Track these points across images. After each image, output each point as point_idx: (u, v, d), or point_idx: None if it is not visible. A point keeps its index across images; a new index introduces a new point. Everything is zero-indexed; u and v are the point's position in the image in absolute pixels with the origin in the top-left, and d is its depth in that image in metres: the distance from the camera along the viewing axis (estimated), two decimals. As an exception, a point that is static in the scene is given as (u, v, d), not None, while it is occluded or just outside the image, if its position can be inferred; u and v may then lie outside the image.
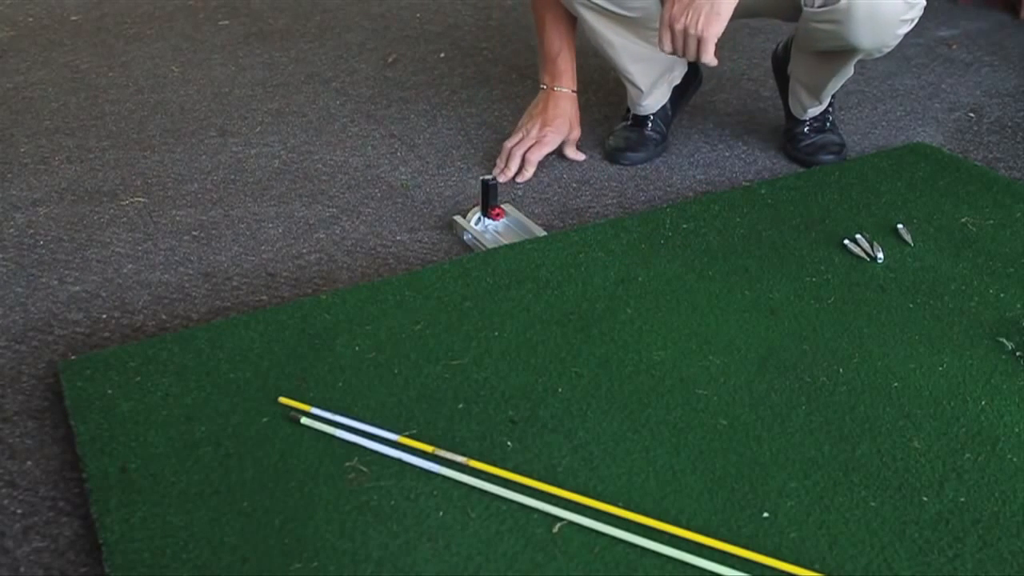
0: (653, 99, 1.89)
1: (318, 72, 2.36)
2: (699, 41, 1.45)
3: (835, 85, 1.79)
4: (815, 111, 1.86)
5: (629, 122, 1.93)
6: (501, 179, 1.79)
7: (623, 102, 1.96)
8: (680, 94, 1.97)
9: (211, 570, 0.98)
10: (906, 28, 1.61)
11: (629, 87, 1.87)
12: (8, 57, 2.48)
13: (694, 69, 1.96)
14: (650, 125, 1.91)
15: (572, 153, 1.89)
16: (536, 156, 1.82)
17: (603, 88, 2.20)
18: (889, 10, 1.56)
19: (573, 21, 1.82)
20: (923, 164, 1.79)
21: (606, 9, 1.74)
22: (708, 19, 1.44)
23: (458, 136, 2.01)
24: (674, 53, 1.50)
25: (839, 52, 1.68)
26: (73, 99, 2.22)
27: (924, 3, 1.60)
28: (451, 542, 1.00)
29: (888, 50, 1.66)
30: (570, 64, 1.84)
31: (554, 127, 1.83)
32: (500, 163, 1.84)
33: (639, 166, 1.88)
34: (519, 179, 1.81)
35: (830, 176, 1.75)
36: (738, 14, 1.47)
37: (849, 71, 1.75)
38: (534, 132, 1.83)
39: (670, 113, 1.95)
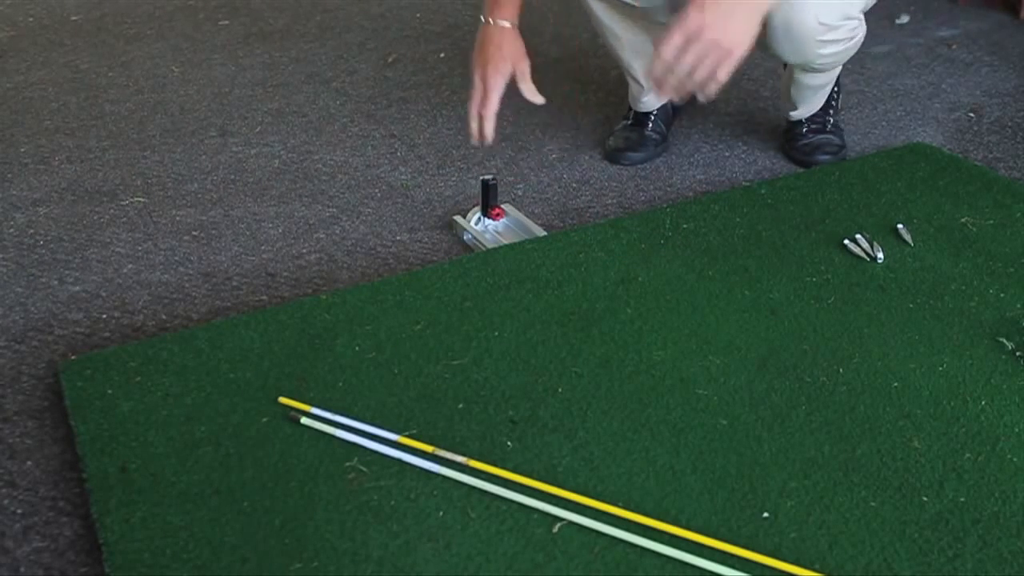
0: (654, 95, 1.89)
1: (318, 72, 2.36)
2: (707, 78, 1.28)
3: (812, 95, 1.82)
4: (797, 115, 1.87)
5: (630, 121, 1.93)
6: (474, 143, 1.61)
7: (623, 102, 1.96)
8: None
9: (211, 570, 0.98)
10: (833, 48, 1.63)
11: (631, 82, 1.87)
12: (8, 57, 2.48)
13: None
14: (650, 125, 1.91)
15: (528, 91, 1.59)
16: (488, 111, 1.58)
17: (603, 88, 2.20)
18: (803, 29, 1.57)
19: None
20: (923, 164, 1.78)
21: None
22: (720, 58, 1.25)
23: (458, 136, 2.01)
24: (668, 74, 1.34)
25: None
26: (73, 99, 2.22)
27: (856, 25, 1.62)
28: (451, 542, 1.00)
29: (828, 66, 1.69)
30: None
31: (493, 69, 1.57)
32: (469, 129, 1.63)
33: (639, 166, 1.88)
34: (485, 140, 1.59)
35: (830, 176, 1.74)
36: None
37: (822, 80, 1.77)
38: (479, 83, 1.60)
39: (671, 112, 1.95)
